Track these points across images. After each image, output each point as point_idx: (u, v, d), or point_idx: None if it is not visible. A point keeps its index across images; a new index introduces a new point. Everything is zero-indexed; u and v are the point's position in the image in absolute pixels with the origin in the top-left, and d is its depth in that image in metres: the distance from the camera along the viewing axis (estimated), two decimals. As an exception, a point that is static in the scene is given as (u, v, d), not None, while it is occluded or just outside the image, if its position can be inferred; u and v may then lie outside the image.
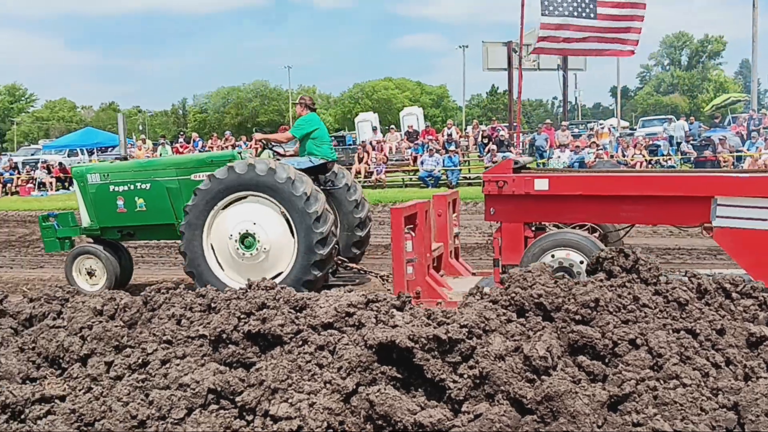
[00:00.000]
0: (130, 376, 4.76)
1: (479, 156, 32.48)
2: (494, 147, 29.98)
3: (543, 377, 4.31)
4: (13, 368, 5.01)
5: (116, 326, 5.26)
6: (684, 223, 7.74)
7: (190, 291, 5.87)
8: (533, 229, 8.08)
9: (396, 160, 32.03)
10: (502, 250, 7.92)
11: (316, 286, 8.97)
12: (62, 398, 4.64)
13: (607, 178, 7.71)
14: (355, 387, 4.43)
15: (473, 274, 9.60)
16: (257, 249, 9.23)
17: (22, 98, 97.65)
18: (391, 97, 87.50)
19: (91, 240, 10.86)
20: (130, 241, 11.31)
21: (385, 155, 31.71)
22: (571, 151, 27.30)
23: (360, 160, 31.06)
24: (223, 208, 9.37)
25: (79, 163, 33.09)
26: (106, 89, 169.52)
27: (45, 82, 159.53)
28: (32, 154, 45.36)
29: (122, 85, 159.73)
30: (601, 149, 28.40)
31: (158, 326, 5.30)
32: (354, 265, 10.24)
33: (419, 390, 4.49)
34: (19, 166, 38.64)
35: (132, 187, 10.35)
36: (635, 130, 44.47)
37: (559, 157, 27.33)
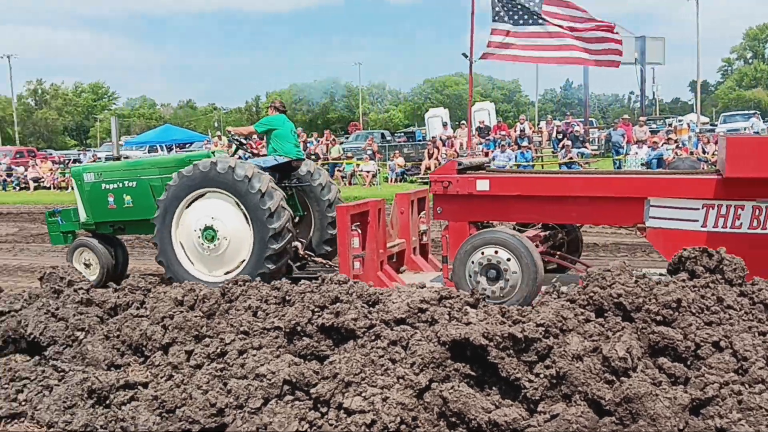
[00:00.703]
0: (209, 365, 4.87)
1: (553, 152, 32.16)
2: (569, 143, 29.62)
3: (622, 378, 4.27)
4: (99, 355, 5.19)
5: (196, 316, 5.39)
6: (619, 224, 8.15)
7: (265, 284, 5.99)
8: (479, 227, 8.57)
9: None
10: (449, 248, 8.47)
11: (272, 279, 9.33)
12: (145, 385, 4.78)
13: (545, 179, 8.13)
14: (428, 383, 4.46)
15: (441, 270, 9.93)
16: (217, 242, 9.91)
17: (105, 96, 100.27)
18: (461, 92, 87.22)
19: (90, 234, 11.59)
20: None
21: (455, 151, 31.64)
22: (648, 147, 26.81)
23: (430, 156, 31.05)
24: (190, 203, 10.11)
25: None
26: (183, 87, 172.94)
27: (126, 81, 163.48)
28: (115, 151, 46.63)
29: (199, 83, 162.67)
30: (680, 146, 27.84)
31: (236, 317, 5.42)
32: (320, 260, 10.73)
33: (493, 388, 4.49)
34: (103, 161, 39.80)
35: (121, 185, 11.13)
36: (716, 125, 43.44)
37: (636, 153, 26.86)
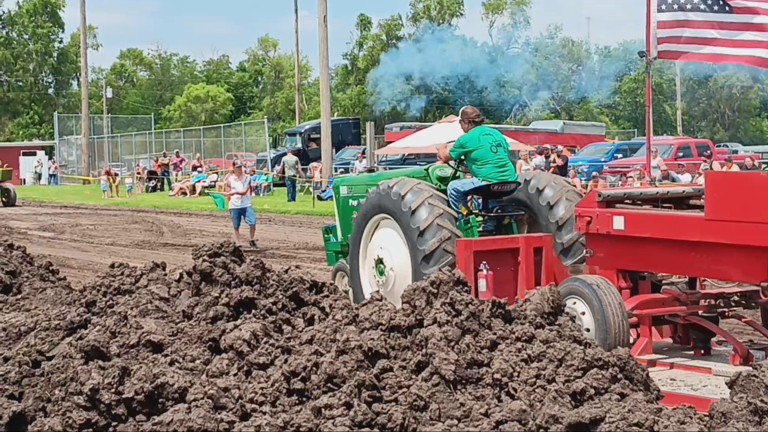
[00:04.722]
0: None
1: None
2: None
3: None
4: None
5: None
6: (742, 280, 7.55)
7: None
8: (635, 278, 8.08)
9: None
10: None
11: None
12: None
13: (683, 218, 7.54)
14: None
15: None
16: (385, 277, 9.89)
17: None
18: None
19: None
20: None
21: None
22: None
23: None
24: (373, 231, 10.17)
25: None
26: None
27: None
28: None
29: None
30: None
31: None
32: None
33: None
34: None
35: (359, 202, 10.85)
36: None
37: None
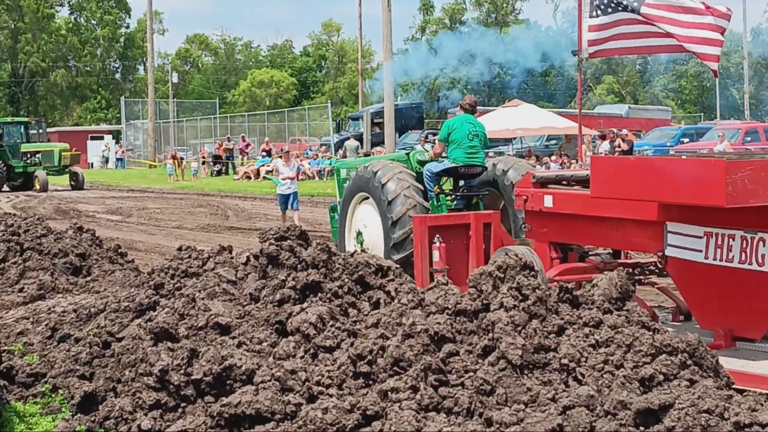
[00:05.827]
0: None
1: None
2: None
3: None
4: None
5: None
6: (640, 250, 8.73)
7: None
8: (564, 250, 8.76)
9: None
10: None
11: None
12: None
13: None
14: None
15: None
16: (363, 248, 10.94)
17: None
18: None
19: None
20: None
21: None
22: None
23: None
24: (355, 208, 11.46)
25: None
26: None
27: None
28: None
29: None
30: None
31: None
32: None
33: None
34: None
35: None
36: None
37: None
